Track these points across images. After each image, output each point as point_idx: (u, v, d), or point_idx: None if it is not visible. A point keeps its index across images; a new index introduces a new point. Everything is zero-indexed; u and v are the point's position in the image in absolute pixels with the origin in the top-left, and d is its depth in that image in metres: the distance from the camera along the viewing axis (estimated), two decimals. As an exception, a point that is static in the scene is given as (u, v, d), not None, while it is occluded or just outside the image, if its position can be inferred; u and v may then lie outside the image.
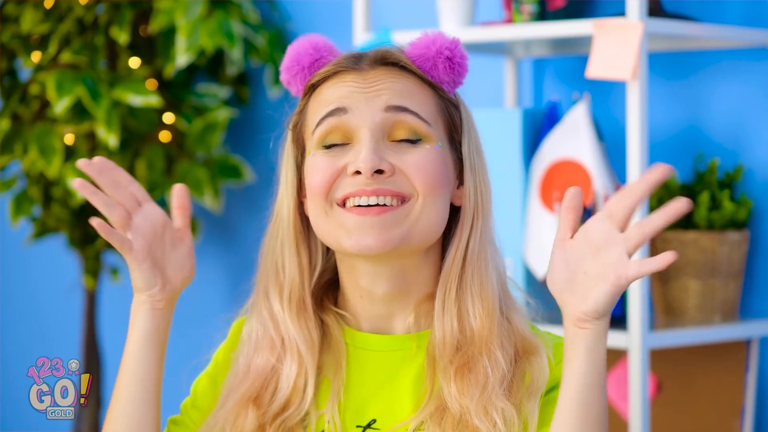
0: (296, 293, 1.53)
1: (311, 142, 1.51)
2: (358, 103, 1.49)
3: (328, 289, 1.57)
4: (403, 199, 1.48)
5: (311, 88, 1.54)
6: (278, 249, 1.54)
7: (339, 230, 1.48)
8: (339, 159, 1.48)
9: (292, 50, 1.55)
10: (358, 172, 1.47)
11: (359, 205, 1.47)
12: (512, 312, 1.51)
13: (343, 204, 1.48)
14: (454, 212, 1.54)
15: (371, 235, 1.46)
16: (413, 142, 1.49)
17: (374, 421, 1.49)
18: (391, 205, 1.47)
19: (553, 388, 1.46)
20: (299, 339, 1.52)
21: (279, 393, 1.51)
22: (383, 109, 1.49)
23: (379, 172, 1.46)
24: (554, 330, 1.55)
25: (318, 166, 1.49)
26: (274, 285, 1.54)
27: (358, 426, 1.50)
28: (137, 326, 1.54)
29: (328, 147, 1.49)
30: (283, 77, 1.57)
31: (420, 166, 1.48)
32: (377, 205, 1.47)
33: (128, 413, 1.53)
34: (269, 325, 1.54)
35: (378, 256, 1.47)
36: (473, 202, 1.52)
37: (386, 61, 1.52)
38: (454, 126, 1.53)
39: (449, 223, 1.53)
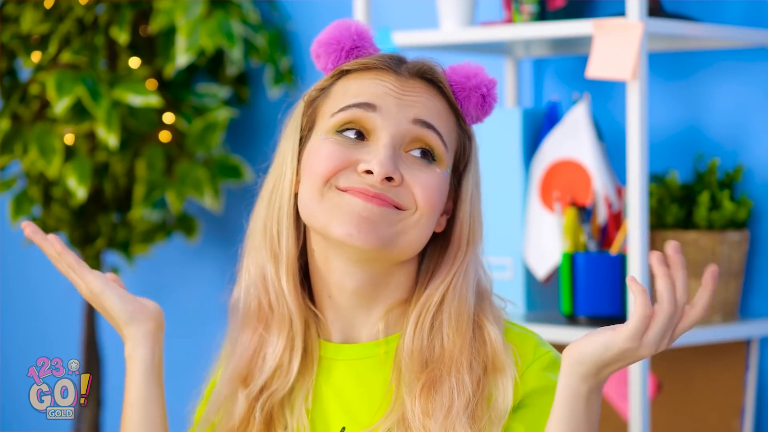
0: (291, 264, 1.52)
1: (326, 123, 1.50)
2: (389, 106, 1.49)
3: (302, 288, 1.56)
4: (399, 210, 1.48)
5: (343, 73, 1.54)
6: (275, 217, 1.54)
7: (331, 213, 1.47)
8: (352, 153, 1.48)
9: (335, 29, 1.56)
10: (369, 172, 1.46)
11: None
12: (489, 322, 1.51)
13: (344, 191, 1.47)
14: (433, 237, 1.54)
15: (362, 228, 1.45)
16: (428, 160, 1.49)
17: (344, 429, 1.49)
18: (391, 205, 1.47)
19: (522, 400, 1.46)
20: (294, 307, 1.51)
21: (265, 366, 1.51)
22: (411, 121, 1.49)
23: (390, 179, 1.46)
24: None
25: (328, 151, 1.48)
26: (267, 252, 1.53)
27: None
28: (138, 363, 1.52)
29: (342, 134, 1.49)
30: (315, 49, 1.57)
31: (428, 187, 1.48)
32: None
33: None
34: (260, 290, 1.53)
35: (358, 251, 1.46)
36: (467, 232, 1.53)
37: (426, 76, 1.52)
38: (461, 157, 1.54)
39: (426, 246, 1.53)
